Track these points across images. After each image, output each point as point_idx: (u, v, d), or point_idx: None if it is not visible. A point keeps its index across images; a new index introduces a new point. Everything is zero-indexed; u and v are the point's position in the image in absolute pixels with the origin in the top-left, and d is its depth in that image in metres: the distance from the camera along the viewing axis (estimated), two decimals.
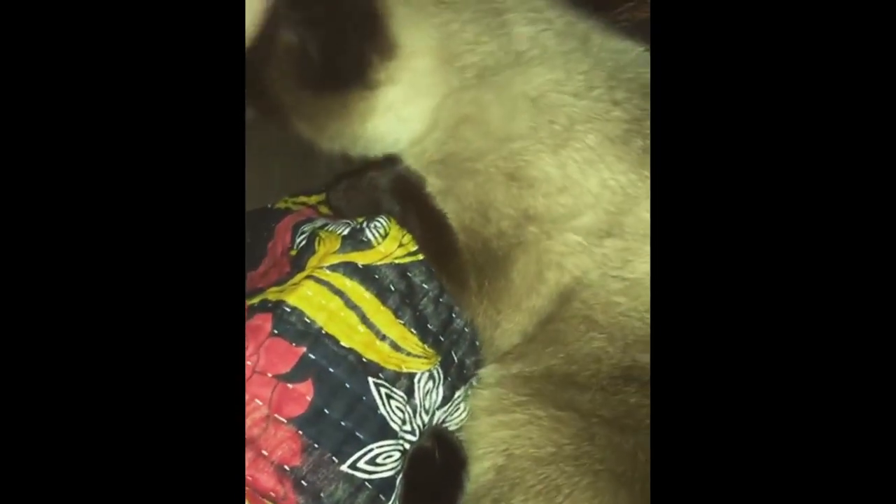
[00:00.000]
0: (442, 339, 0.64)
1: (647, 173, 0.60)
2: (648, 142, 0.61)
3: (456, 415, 0.65)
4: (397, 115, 0.65)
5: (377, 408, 0.56)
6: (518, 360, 0.63)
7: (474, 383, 0.65)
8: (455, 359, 0.65)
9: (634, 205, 0.61)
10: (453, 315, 0.65)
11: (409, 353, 0.60)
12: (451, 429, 0.64)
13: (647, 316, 0.61)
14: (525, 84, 0.63)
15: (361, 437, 0.55)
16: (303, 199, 0.82)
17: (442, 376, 0.63)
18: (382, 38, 0.62)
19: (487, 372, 0.65)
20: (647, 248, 0.60)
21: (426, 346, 0.61)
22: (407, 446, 0.59)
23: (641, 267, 0.61)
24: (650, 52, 0.45)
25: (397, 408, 0.58)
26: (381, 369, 0.58)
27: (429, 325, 0.62)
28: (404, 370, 0.59)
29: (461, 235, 0.65)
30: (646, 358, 0.61)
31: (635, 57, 0.65)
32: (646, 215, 0.60)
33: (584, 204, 0.61)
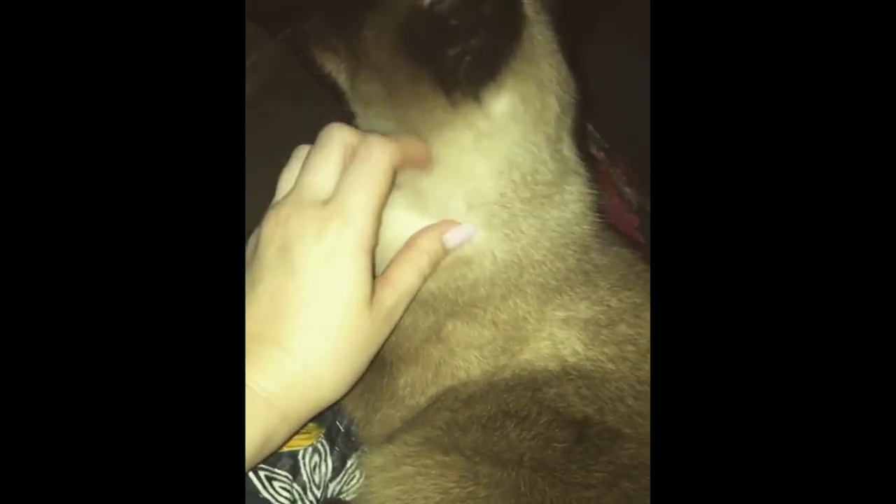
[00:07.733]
0: (324, 411, 0.64)
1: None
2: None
3: (352, 483, 0.65)
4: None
5: (258, 492, 0.56)
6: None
7: (365, 449, 0.66)
8: (341, 428, 0.66)
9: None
10: None
11: None
12: (347, 499, 0.64)
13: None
14: None
15: None
16: None
17: (328, 448, 0.63)
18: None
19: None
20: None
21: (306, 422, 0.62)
22: None
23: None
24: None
25: (282, 488, 0.58)
26: None
27: None
28: (285, 450, 0.59)
29: None
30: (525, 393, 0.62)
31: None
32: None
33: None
